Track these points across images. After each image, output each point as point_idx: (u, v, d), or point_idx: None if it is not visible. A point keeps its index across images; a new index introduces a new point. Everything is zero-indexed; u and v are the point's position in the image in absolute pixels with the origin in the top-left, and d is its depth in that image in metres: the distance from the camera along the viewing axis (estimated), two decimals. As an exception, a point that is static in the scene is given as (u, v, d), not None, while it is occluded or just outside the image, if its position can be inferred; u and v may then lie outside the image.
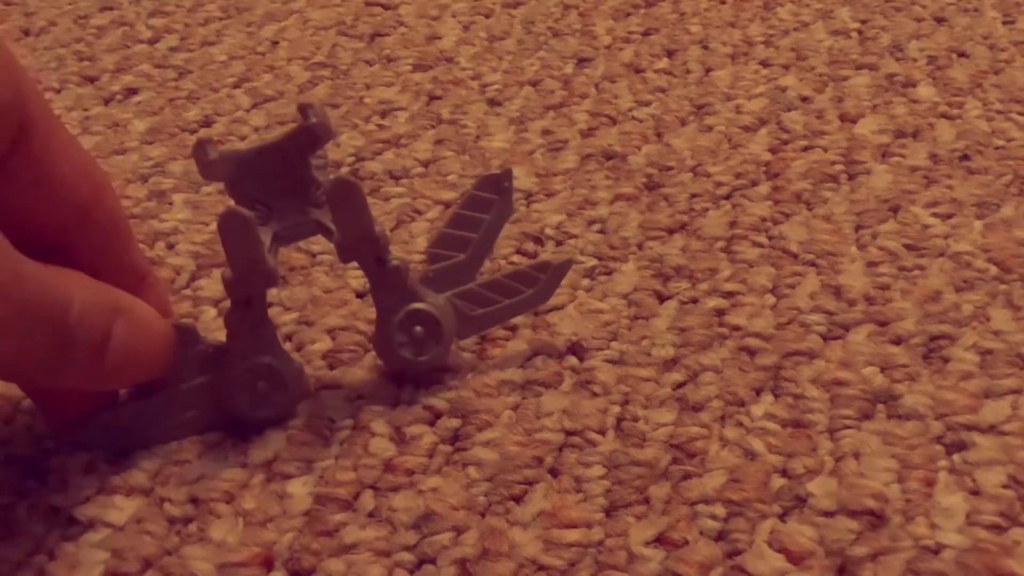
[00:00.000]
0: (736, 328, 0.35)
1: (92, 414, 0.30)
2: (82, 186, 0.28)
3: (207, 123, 0.47)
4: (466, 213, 0.33)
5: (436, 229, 0.40)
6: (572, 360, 0.34)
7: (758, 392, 0.33)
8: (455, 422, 0.32)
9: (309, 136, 0.29)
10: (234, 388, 0.31)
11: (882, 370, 0.33)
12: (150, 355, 0.29)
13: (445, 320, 0.32)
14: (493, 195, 0.33)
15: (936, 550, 0.27)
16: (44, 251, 0.26)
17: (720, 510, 0.29)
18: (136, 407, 0.31)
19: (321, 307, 0.36)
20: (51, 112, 0.27)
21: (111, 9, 0.58)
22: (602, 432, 0.31)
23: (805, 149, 0.44)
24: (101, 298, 0.27)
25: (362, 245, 0.30)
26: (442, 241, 0.33)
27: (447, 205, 0.41)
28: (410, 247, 0.39)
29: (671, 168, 0.43)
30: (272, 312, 0.36)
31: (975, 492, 0.29)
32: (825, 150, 0.44)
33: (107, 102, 0.49)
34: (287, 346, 0.35)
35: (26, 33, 0.56)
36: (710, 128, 0.46)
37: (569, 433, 0.31)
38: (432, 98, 0.49)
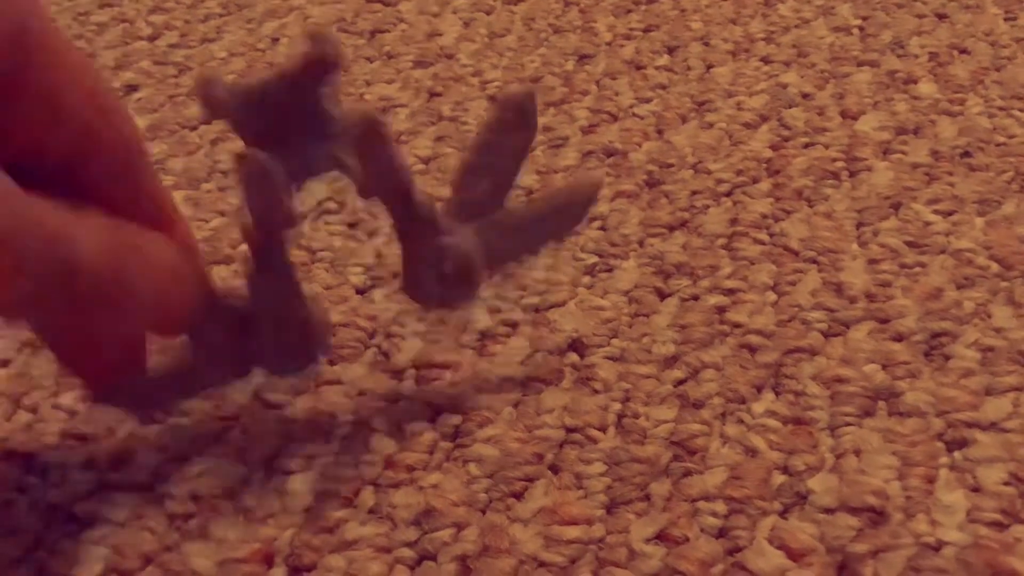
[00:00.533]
0: (737, 325, 0.35)
1: (124, 379, 0.29)
2: (89, 107, 0.26)
3: (208, 120, 0.47)
4: (489, 138, 0.30)
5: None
6: (573, 357, 0.34)
7: (759, 389, 0.33)
8: (456, 418, 0.32)
9: (320, 65, 0.27)
10: (261, 345, 0.29)
11: (883, 367, 0.33)
12: (171, 295, 0.27)
13: (475, 255, 0.30)
14: (516, 117, 0.30)
15: (937, 547, 0.27)
16: (51, 180, 0.25)
17: (721, 507, 0.29)
18: (161, 368, 0.29)
19: (321, 304, 0.36)
20: (55, 28, 0.25)
21: (111, 6, 0.58)
22: (603, 429, 0.31)
23: (806, 146, 0.44)
24: (111, 239, 0.25)
25: (386, 181, 0.28)
26: (466, 169, 0.30)
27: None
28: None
29: (672, 165, 0.43)
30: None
31: (976, 489, 0.29)
32: (826, 147, 0.44)
33: (107, 98, 0.49)
34: (287, 343, 0.35)
35: (26, 29, 0.56)
36: (711, 125, 0.46)
37: (570, 430, 0.31)
38: (433, 95, 0.49)
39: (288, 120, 0.28)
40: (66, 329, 0.26)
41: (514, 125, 0.30)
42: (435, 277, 0.30)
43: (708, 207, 0.41)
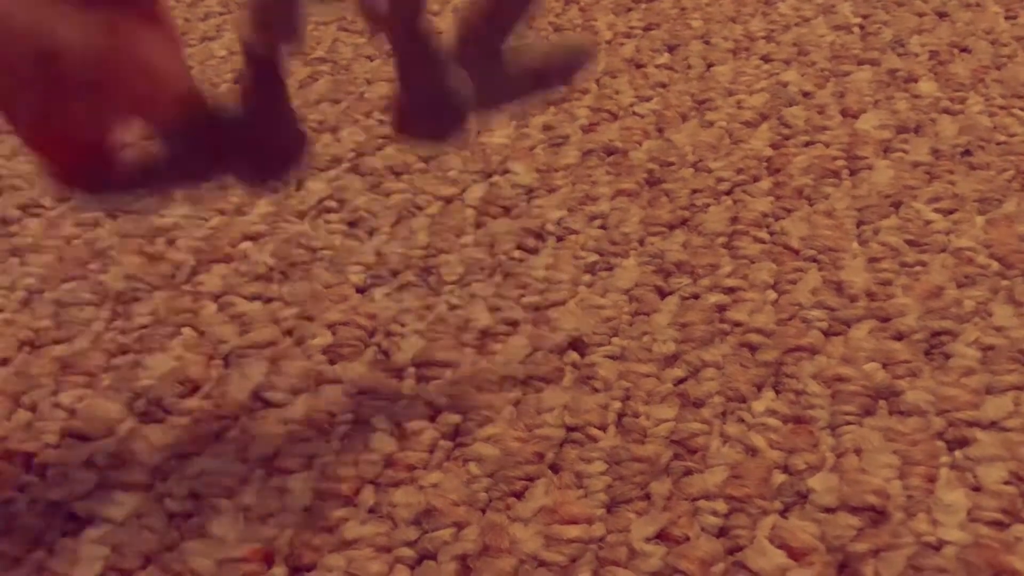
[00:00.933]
0: (737, 324, 0.35)
1: (95, 167, 0.28)
2: None
3: None
4: None
5: (436, 224, 0.40)
6: (573, 356, 0.34)
7: (759, 388, 0.32)
8: (456, 418, 0.31)
9: None
10: (241, 149, 0.29)
11: (883, 366, 0.33)
12: (152, 86, 0.26)
13: (469, 93, 0.29)
14: None
15: (937, 546, 0.27)
16: None
17: (721, 506, 0.29)
18: (140, 157, 0.29)
19: (321, 302, 0.36)
20: None
21: (111, 4, 0.58)
22: (603, 428, 0.31)
23: (807, 144, 0.44)
24: (93, 27, 0.25)
25: (399, 7, 0.28)
26: (473, 11, 0.30)
27: (448, 200, 0.41)
28: (411, 243, 0.39)
29: (672, 164, 0.43)
30: (272, 307, 0.36)
31: (976, 488, 0.29)
32: (827, 145, 0.44)
33: (107, 97, 0.49)
34: (287, 341, 0.35)
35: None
36: (711, 123, 0.46)
37: (570, 429, 0.31)
38: (433, 93, 0.49)
39: None
40: (43, 116, 0.25)
41: None
42: (427, 110, 0.30)
43: (708, 205, 0.41)
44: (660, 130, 0.45)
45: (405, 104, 0.30)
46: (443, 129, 0.30)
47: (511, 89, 0.31)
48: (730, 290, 0.36)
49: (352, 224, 0.40)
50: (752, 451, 0.30)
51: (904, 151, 0.43)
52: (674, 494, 0.29)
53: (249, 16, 0.28)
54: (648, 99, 0.48)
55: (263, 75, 0.28)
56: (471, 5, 0.30)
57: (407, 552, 0.28)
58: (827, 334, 0.34)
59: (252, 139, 0.29)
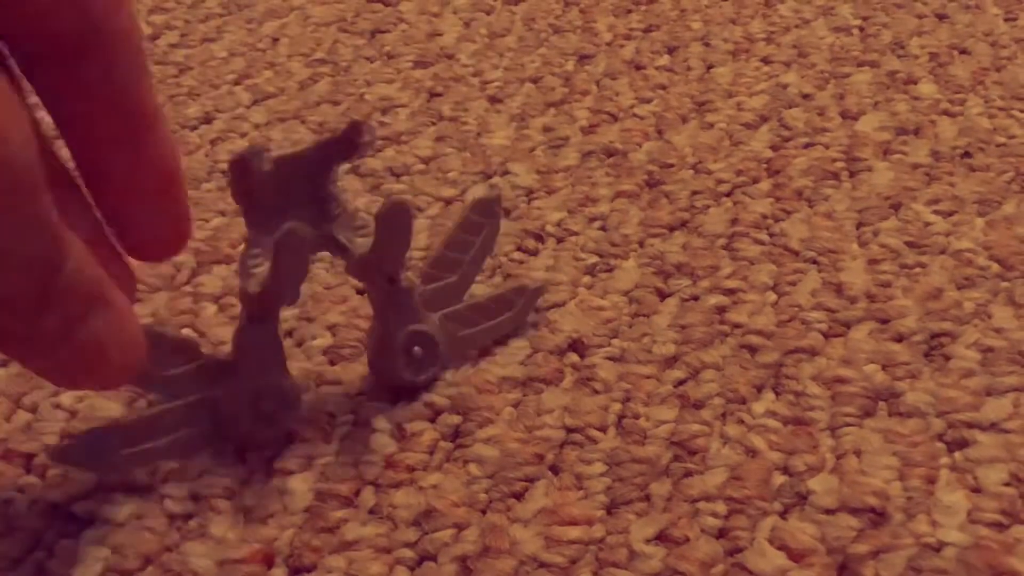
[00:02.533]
0: (737, 325, 0.35)
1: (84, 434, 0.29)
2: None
3: (207, 120, 0.47)
4: (460, 236, 0.34)
5: (437, 226, 0.40)
6: (573, 357, 0.34)
7: (759, 389, 0.33)
8: (456, 418, 0.32)
9: (346, 149, 0.29)
10: (237, 407, 0.30)
11: (883, 367, 0.33)
12: (119, 363, 0.25)
13: (442, 342, 0.32)
14: (484, 219, 0.34)
15: (937, 548, 0.27)
16: (44, 68, 0.23)
17: (721, 507, 0.29)
18: (126, 422, 0.29)
19: (322, 303, 0.36)
20: None
21: (111, 5, 0.58)
22: (603, 429, 0.31)
23: (806, 146, 0.44)
24: (93, 274, 0.24)
25: (383, 265, 0.30)
26: (437, 262, 0.33)
27: (448, 202, 0.41)
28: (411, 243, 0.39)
29: (672, 165, 0.43)
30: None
31: (976, 490, 0.29)
32: (826, 147, 0.44)
33: (107, 98, 0.49)
34: (287, 342, 0.35)
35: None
36: (711, 125, 0.46)
37: (570, 430, 0.31)
38: (433, 95, 0.49)
39: (296, 197, 0.29)
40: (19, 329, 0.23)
41: (482, 225, 0.34)
42: (404, 359, 0.32)
43: (708, 207, 0.41)
44: (660, 132, 0.46)
45: (381, 351, 0.32)
46: (417, 373, 0.32)
47: (475, 333, 0.33)
48: (730, 292, 0.36)
49: (352, 225, 0.40)
50: (752, 452, 0.30)
51: (904, 153, 0.43)
52: (674, 495, 0.29)
53: (241, 272, 0.28)
54: (648, 101, 0.48)
55: (259, 333, 0.29)
56: (434, 259, 0.33)
57: (407, 553, 0.28)
58: (827, 336, 0.34)
59: (252, 401, 0.30)
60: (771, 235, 0.39)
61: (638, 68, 0.51)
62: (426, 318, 0.32)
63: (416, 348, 0.32)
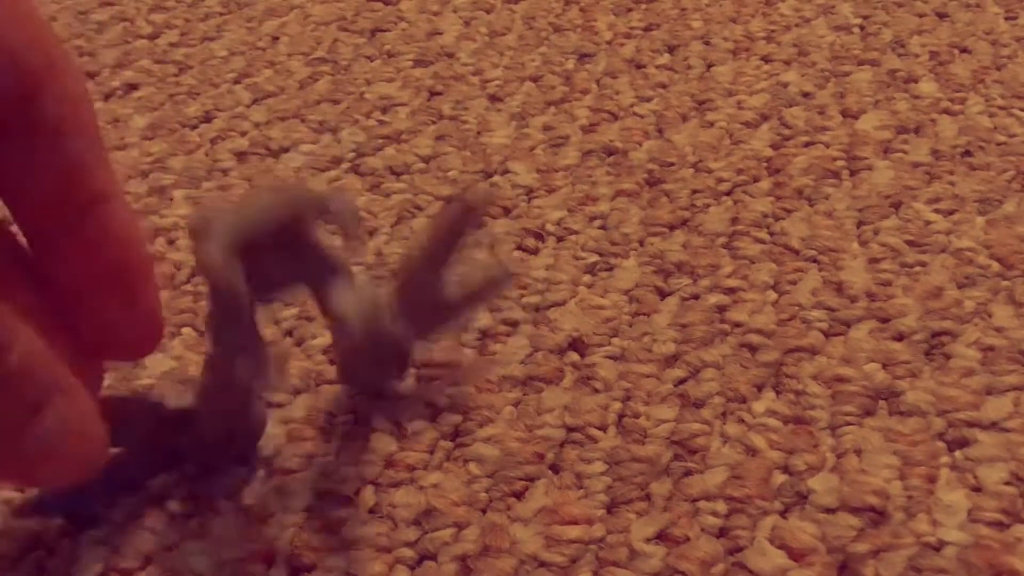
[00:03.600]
0: (737, 324, 0.35)
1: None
2: (33, 53, 0.21)
3: (207, 119, 0.47)
4: (436, 235, 0.32)
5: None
6: (573, 356, 0.34)
7: (759, 388, 0.33)
8: (456, 418, 0.31)
9: (335, 223, 0.28)
10: (196, 440, 0.29)
11: (884, 366, 0.33)
12: (76, 456, 0.23)
13: (411, 347, 0.31)
14: (458, 217, 0.32)
15: (938, 547, 0.27)
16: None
17: (721, 507, 0.29)
18: (95, 476, 0.26)
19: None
20: None
21: (111, 4, 0.58)
22: (603, 428, 0.31)
23: (807, 145, 0.44)
24: (47, 360, 0.21)
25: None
26: (410, 262, 0.31)
27: (448, 201, 0.41)
28: (411, 243, 0.39)
29: (672, 164, 0.43)
30: (272, 307, 0.36)
31: (977, 489, 0.29)
32: (827, 146, 0.44)
33: (107, 98, 0.49)
34: (287, 341, 0.35)
35: (26, 28, 0.56)
36: (711, 124, 0.46)
37: (570, 429, 0.31)
38: (433, 94, 0.49)
39: (273, 256, 0.27)
40: None
41: (460, 231, 0.31)
42: (372, 364, 0.31)
43: (709, 206, 0.41)
44: (660, 130, 0.45)
45: (349, 359, 0.31)
46: (384, 377, 0.32)
47: (444, 321, 0.32)
48: (730, 290, 0.36)
49: (352, 224, 0.40)
50: (752, 451, 0.30)
51: (904, 151, 0.43)
52: (674, 495, 0.29)
53: (210, 336, 0.26)
54: (648, 99, 0.48)
55: (226, 380, 0.27)
56: (409, 258, 0.31)
57: (407, 552, 0.28)
58: (827, 335, 0.34)
59: (211, 428, 0.29)
60: (771, 234, 0.39)
61: (638, 67, 0.50)
62: (395, 322, 0.30)
63: (385, 354, 0.31)
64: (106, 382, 0.33)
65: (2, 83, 0.21)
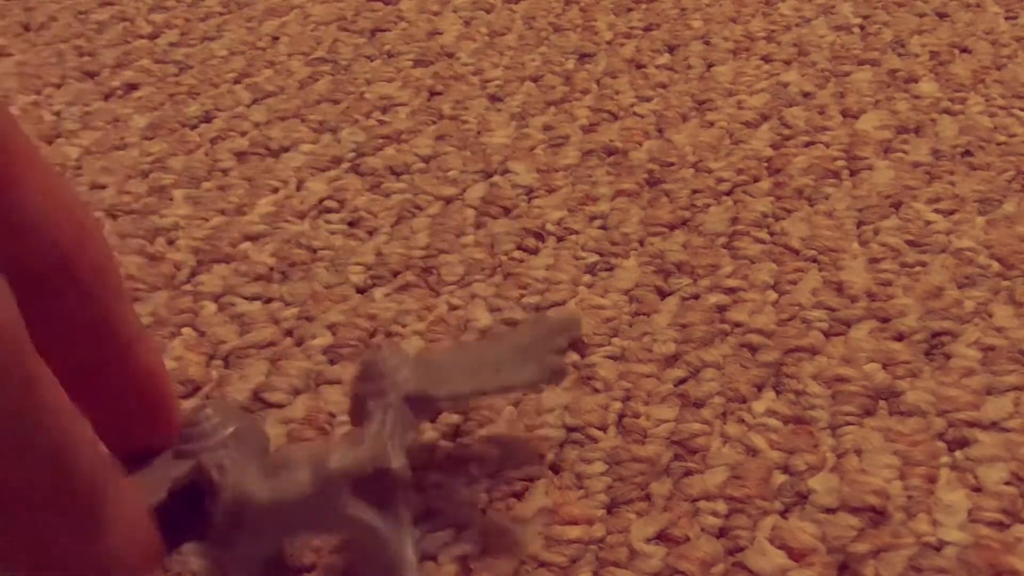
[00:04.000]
0: (738, 324, 0.35)
1: None
2: (64, 228, 0.24)
3: (207, 119, 0.47)
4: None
5: (437, 225, 0.40)
6: (573, 356, 0.34)
7: (759, 388, 0.33)
8: (456, 418, 0.31)
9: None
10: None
11: (884, 366, 0.33)
12: (143, 547, 0.23)
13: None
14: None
15: (938, 547, 0.27)
16: (20, 301, 0.23)
17: (721, 507, 0.29)
18: None
19: (322, 302, 0.36)
20: (30, 144, 0.23)
21: (111, 4, 0.58)
22: (603, 428, 0.31)
23: (807, 145, 0.44)
24: (106, 460, 0.22)
25: None
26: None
27: (448, 201, 0.41)
28: (411, 243, 0.39)
29: (672, 164, 0.43)
30: (272, 307, 0.36)
31: (977, 489, 0.29)
32: (827, 146, 0.44)
33: (107, 97, 0.49)
34: (287, 341, 0.35)
35: (26, 28, 0.56)
36: (711, 124, 0.46)
37: (570, 429, 0.31)
38: (433, 94, 0.49)
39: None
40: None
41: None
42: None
43: (709, 206, 0.41)
44: (660, 130, 0.45)
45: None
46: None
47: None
48: (730, 290, 0.36)
49: (352, 224, 0.40)
50: (752, 452, 0.30)
51: (904, 151, 0.43)
52: (674, 495, 0.29)
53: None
54: (648, 99, 0.48)
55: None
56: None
57: (407, 552, 0.28)
58: (827, 334, 0.34)
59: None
60: (772, 234, 0.39)
61: (638, 67, 0.50)
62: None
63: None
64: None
65: (45, 253, 0.24)
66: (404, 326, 0.35)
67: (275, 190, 0.42)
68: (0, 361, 0.19)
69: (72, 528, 0.21)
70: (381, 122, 0.47)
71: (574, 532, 0.28)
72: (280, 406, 0.32)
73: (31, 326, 0.22)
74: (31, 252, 0.24)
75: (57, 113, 0.48)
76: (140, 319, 0.27)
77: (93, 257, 0.25)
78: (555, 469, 0.30)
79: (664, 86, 0.49)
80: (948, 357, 0.33)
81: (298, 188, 0.42)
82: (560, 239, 0.39)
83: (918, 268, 0.37)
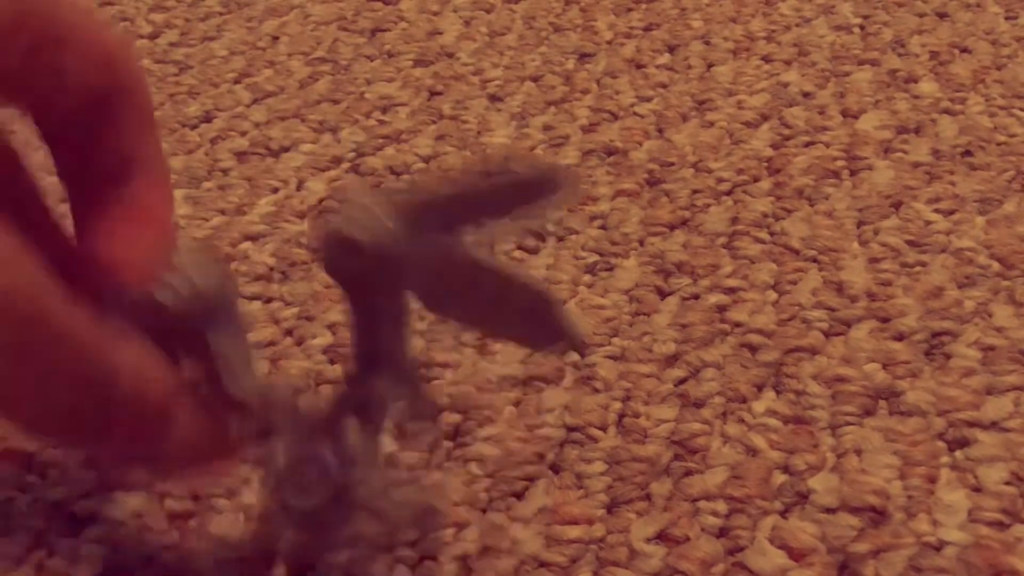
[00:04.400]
0: (738, 324, 0.35)
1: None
2: (104, 67, 0.24)
3: (208, 118, 0.47)
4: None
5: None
6: (573, 356, 0.34)
7: (760, 388, 0.33)
8: (456, 417, 0.31)
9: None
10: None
11: (884, 366, 0.33)
12: (219, 445, 0.24)
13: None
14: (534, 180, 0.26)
15: (938, 547, 0.27)
16: (55, 142, 0.24)
17: (721, 507, 0.29)
18: None
19: (322, 302, 0.36)
20: None
21: (111, 4, 0.58)
22: (603, 428, 0.31)
23: (807, 145, 0.44)
24: (158, 372, 0.23)
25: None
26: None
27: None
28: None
29: (672, 164, 0.43)
30: (272, 307, 0.36)
31: (977, 489, 0.29)
32: (827, 146, 0.44)
33: (107, 97, 0.49)
34: (287, 341, 0.35)
35: (26, 28, 0.56)
36: (711, 124, 0.46)
37: (570, 429, 0.31)
38: (433, 94, 0.49)
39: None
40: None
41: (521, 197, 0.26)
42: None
43: (709, 206, 0.41)
44: (660, 130, 0.45)
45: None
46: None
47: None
48: (730, 290, 0.36)
49: (352, 224, 0.40)
50: (752, 451, 0.30)
51: (904, 151, 0.43)
52: (674, 494, 0.29)
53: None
54: (648, 99, 0.48)
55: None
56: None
57: (407, 552, 0.28)
58: (827, 334, 0.34)
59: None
60: (772, 234, 0.39)
61: (638, 67, 0.50)
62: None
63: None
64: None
65: (92, 78, 0.24)
66: (404, 326, 0.35)
67: (275, 190, 0.42)
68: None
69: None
70: (381, 122, 0.47)
71: (574, 532, 0.28)
72: (280, 406, 0.32)
73: (68, 152, 0.25)
74: (68, 86, 0.24)
75: (57, 113, 0.48)
76: (161, 152, 0.27)
77: (135, 79, 0.25)
78: (555, 469, 0.30)
79: (664, 86, 0.49)
80: (948, 357, 0.33)
81: (298, 188, 0.42)
82: (560, 239, 0.39)
83: (918, 268, 0.37)
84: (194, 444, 0.24)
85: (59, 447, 0.28)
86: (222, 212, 0.41)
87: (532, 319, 0.26)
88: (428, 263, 0.25)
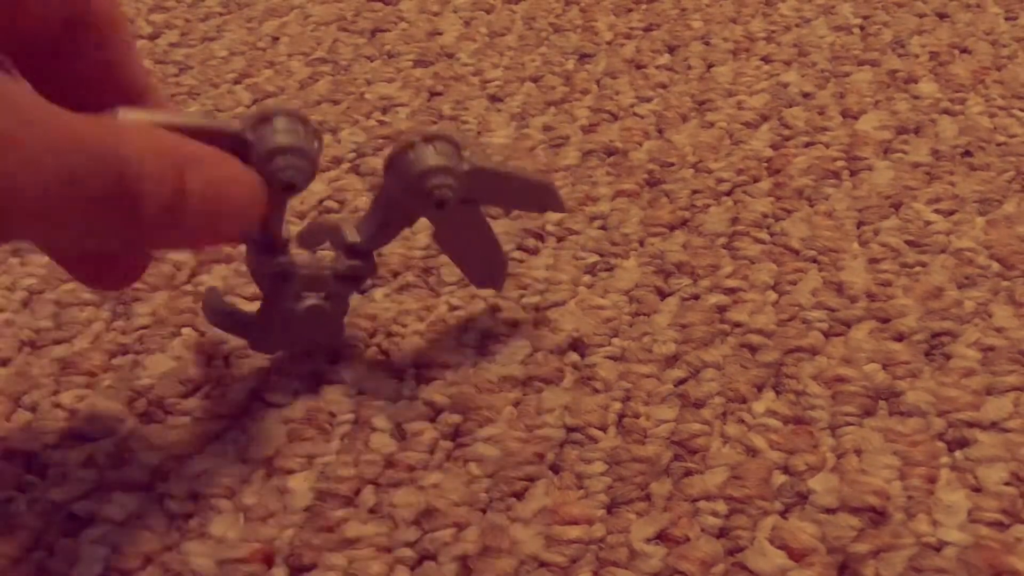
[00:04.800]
0: (737, 324, 0.35)
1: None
2: None
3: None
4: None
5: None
6: (573, 356, 0.34)
7: (759, 389, 0.33)
8: (456, 418, 0.31)
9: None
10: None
11: (884, 367, 0.33)
12: (237, 206, 0.26)
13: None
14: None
15: (938, 547, 0.27)
16: (30, 62, 0.25)
17: (721, 507, 0.29)
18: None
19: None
20: None
21: (111, 4, 0.58)
22: (603, 428, 0.31)
23: (807, 145, 0.44)
24: (163, 149, 0.24)
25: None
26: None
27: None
28: (410, 243, 0.39)
29: (672, 164, 0.43)
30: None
31: (977, 489, 0.29)
32: (827, 146, 0.44)
33: (107, 97, 0.49)
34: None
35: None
36: (711, 124, 0.46)
37: (570, 429, 0.31)
38: (433, 94, 0.49)
39: None
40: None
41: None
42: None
43: (709, 206, 0.41)
44: (660, 131, 0.45)
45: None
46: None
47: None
48: (730, 291, 0.36)
49: (352, 224, 0.40)
50: (752, 452, 0.30)
51: (904, 152, 0.43)
52: (674, 495, 0.29)
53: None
54: (648, 100, 0.48)
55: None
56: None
57: (407, 552, 0.28)
58: (827, 335, 0.34)
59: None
60: (771, 234, 0.39)
61: (638, 67, 0.50)
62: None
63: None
64: (106, 382, 0.33)
65: (55, 7, 0.25)
66: (404, 326, 0.35)
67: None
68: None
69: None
70: (381, 122, 0.47)
71: (574, 532, 0.28)
72: (280, 406, 0.32)
73: (50, 80, 0.26)
74: (51, 9, 0.25)
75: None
76: (150, 74, 0.28)
77: (103, 9, 0.26)
78: (555, 469, 0.30)
79: (664, 86, 0.49)
80: (948, 357, 0.33)
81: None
82: (560, 239, 0.39)
83: (918, 268, 0.37)
84: (215, 195, 0.25)
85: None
86: (222, 212, 0.41)
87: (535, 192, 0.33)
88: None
